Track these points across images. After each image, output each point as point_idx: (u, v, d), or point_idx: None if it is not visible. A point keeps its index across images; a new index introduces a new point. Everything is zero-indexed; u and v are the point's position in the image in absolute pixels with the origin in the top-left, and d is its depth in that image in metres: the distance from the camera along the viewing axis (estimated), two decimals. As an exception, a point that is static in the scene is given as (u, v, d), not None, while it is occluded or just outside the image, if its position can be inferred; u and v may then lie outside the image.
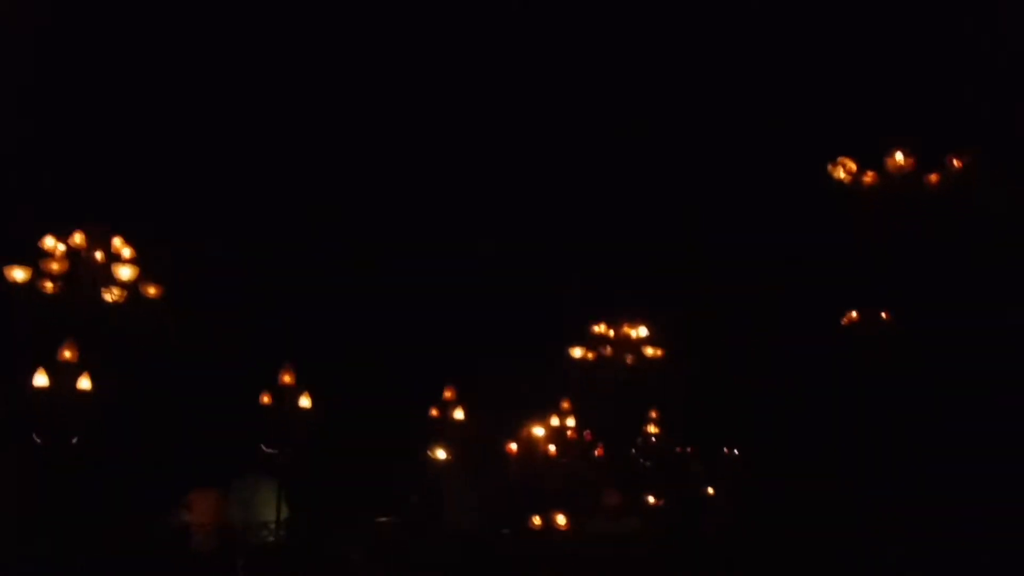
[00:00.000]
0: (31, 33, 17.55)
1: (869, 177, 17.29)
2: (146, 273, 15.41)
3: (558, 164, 21.13)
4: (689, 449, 18.87)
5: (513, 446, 16.72)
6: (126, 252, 15.54)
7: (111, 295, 15.23)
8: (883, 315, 17.38)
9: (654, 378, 18.93)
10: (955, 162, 17.04)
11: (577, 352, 18.96)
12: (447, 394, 17.11)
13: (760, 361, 19.13)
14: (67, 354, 14.17)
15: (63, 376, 14.00)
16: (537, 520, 15.81)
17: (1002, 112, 17.58)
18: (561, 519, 15.81)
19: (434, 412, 17.01)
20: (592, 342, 19.17)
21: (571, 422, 17.44)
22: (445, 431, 16.85)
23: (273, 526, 15.24)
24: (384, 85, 20.57)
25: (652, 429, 18.62)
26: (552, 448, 16.60)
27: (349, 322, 19.33)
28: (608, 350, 19.10)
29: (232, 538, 14.35)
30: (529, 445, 16.69)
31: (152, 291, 15.49)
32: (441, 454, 16.60)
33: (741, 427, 19.07)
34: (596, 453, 17.67)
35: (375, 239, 20.18)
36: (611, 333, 19.24)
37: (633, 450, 18.53)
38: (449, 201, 20.75)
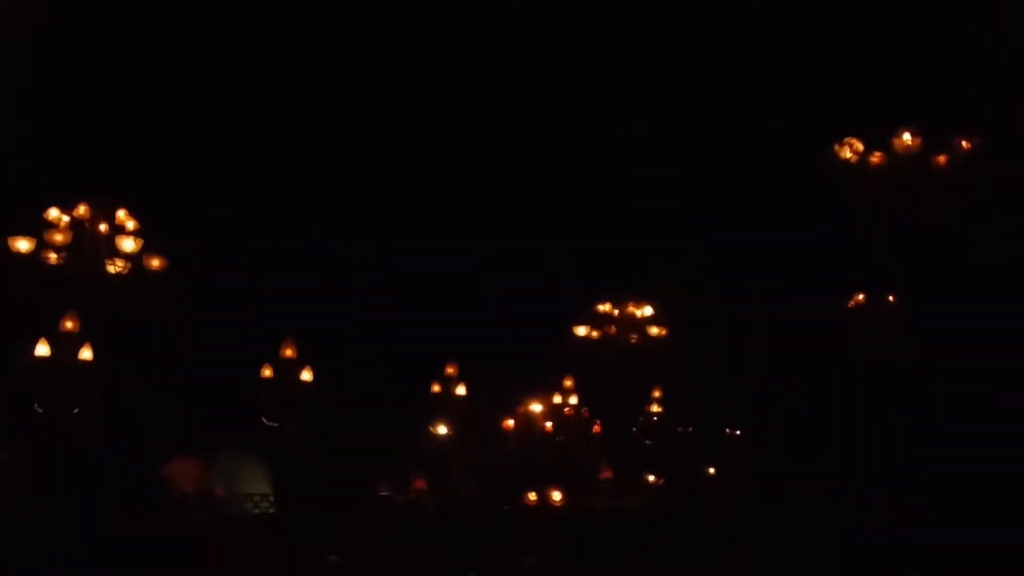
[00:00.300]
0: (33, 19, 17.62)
1: (876, 157, 17.20)
2: (150, 245, 15.50)
3: (562, 144, 21.03)
4: (690, 429, 18.80)
5: (510, 422, 16.79)
6: (130, 224, 15.62)
7: (114, 267, 15.30)
8: (890, 298, 17.30)
9: (658, 357, 18.81)
10: (963, 143, 16.94)
11: (581, 330, 18.85)
12: (449, 370, 17.16)
13: (764, 342, 19.01)
14: (69, 325, 14.33)
15: (65, 347, 14.18)
16: (532, 496, 15.83)
17: (1002, 108, 17.44)
18: (557, 495, 15.83)
19: (436, 388, 17.08)
20: (596, 321, 19.09)
21: (574, 400, 17.47)
22: (447, 407, 16.92)
23: (273, 498, 15.34)
24: (384, 83, 20.55)
25: (655, 408, 18.57)
26: (549, 425, 16.66)
27: (352, 298, 19.33)
28: (612, 329, 19.01)
29: (215, 509, 14.39)
30: (527, 422, 16.74)
31: (155, 263, 15.57)
32: (442, 430, 16.68)
33: (744, 407, 18.98)
34: (594, 430, 17.68)
35: (378, 212, 20.16)
36: (615, 312, 19.13)
37: (635, 429, 18.48)
38: (453, 176, 20.72)
